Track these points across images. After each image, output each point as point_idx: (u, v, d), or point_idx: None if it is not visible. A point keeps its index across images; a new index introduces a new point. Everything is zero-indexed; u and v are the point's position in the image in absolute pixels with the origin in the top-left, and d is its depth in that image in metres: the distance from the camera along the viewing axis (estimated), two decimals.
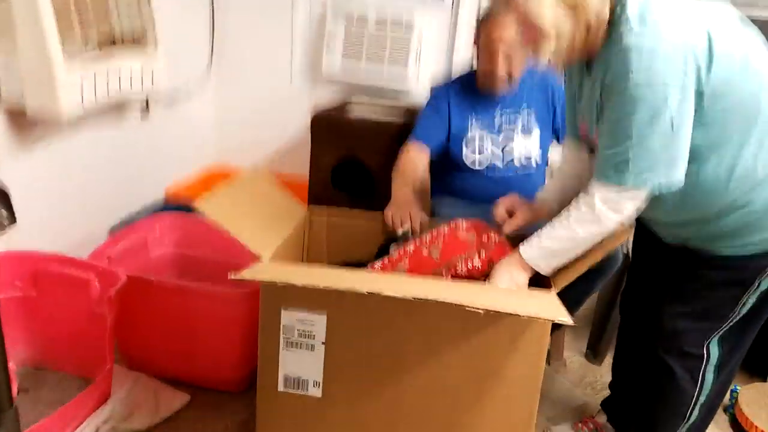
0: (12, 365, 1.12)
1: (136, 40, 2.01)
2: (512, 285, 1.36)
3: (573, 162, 1.53)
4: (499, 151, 1.94)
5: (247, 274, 1.25)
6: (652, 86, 1.13)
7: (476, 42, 1.91)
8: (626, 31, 1.16)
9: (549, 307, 1.21)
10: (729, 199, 1.25)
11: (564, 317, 1.12)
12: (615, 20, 1.20)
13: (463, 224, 1.52)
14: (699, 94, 1.16)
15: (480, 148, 1.93)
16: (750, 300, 1.35)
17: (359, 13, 2.66)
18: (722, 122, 1.19)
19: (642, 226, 1.50)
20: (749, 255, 1.29)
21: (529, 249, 1.35)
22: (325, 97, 2.71)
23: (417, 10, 2.65)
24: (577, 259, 1.34)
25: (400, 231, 1.63)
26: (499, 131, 1.94)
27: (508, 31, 1.77)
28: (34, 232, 1.89)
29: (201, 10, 2.72)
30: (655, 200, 1.26)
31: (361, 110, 2.61)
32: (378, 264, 1.50)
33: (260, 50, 2.83)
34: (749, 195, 1.24)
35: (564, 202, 1.40)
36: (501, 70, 1.83)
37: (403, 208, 1.70)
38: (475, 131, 1.94)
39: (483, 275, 1.44)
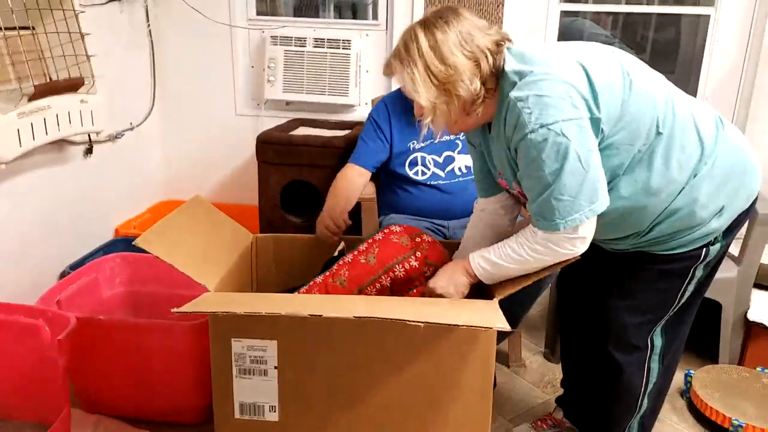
0: None
1: (74, 84, 2.00)
2: (450, 285, 1.38)
3: (487, 214, 1.56)
4: (441, 169, 2.01)
5: (189, 307, 1.26)
6: (547, 127, 1.16)
7: None
8: (509, 87, 1.22)
9: (487, 315, 1.23)
10: (653, 212, 1.30)
11: (501, 324, 1.14)
12: (499, 82, 1.26)
13: (395, 228, 1.56)
14: (595, 121, 1.21)
15: (423, 169, 2.02)
16: (689, 288, 1.41)
17: (297, 36, 2.72)
18: (627, 142, 1.25)
19: None
20: (681, 252, 1.36)
21: (478, 257, 1.37)
22: (272, 123, 2.73)
23: (353, 31, 2.73)
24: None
25: (336, 252, 1.66)
26: (440, 152, 2.02)
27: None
28: None
29: (141, 49, 2.73)
30: None
31: (306, 130, 2.64)
32: (319, 278, 1.52)
33: (203, 82, 2.85)
34: (672, 204, 1.29)
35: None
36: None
37: (334, 218, 1.77)
38: (417, 153, 2.03)
39: (420, 274, 1.48)
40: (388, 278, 1.48)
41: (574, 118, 1.17)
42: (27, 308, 1.77)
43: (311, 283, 1.53)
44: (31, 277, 2.14)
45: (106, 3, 2.42)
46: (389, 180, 2.07)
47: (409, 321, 1.13)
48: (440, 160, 2.01)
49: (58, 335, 1.62)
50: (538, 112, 1.16)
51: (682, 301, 1.42)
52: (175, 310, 1.22)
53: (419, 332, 1.18)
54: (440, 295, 1.39)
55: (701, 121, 1.30)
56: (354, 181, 1.99)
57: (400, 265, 1.48)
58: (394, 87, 2.74)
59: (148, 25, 2.71)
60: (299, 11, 2.90)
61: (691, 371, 2.02)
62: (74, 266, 2.24)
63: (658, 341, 1.47)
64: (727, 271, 2.00)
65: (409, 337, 1.30)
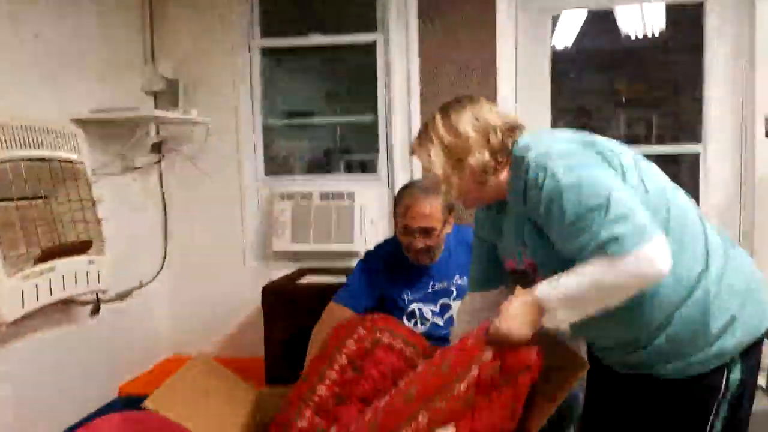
0: None
1: (82, 247, 2.10)
2: (523, 326, 1.25)
3: (480, 306, 1.56)
4: (439, 317, 1.98)
5: None
6: (578, 172, 1.20)
7: (395, 218, 2.00)
8: (522, 152, 1.29)
9: None
10: (661, 308, 1.25)
11: None
12: (511, 156, 1.34)
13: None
14: (619, 174, 1.24)
15: (421, 320, 1.98)
16: (716, 426, 1.30)
17: (303, 192, 2.85)
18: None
19: (594, 359, 1.48)
20: (695, 375, 1.28)
21: (549, 287, 1.24)
22: (279, 274, 2.77)
23: (356, 185, 2.86)
24: (543, 400, 1.29)
25: None
26: (436, 300, 2.00)
27: (425, 207, 1.89)
28: None
29: (153, 212, 2.88)
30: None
31: (312, 278, 2.67)
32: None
33: (212, 239, 2.95)
34: (680, 305, 1.25)
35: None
36: (419, 243, 1.91)
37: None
38: (413, 306, 2.00)
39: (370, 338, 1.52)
40: (343, 355, 1.53)
41: (599, 164, 1.24)
42: None
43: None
44: None
45: (122, 172, 2.60)
46: None
47: None
48: (437, 309, 1.99)
49: None
50: (564, 161, 1.22)
51: None
52: None
53: None
54: (504, 338, 1.26)
55: (706, 225, 1.32)
56: (340, 318, 1.87)
57: (350, 339, 1.52)
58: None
59: (162, 190, 2.87)
60: (312, 169, 3.08)
61: None
62: (71, 429, 2.19)
63: None
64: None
65: None
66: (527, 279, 1.39)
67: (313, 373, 1.55)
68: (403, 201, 1.94)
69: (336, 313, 1.94)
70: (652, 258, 1.15)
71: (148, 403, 1.37)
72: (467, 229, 2.06)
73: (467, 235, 2.01)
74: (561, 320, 1.25)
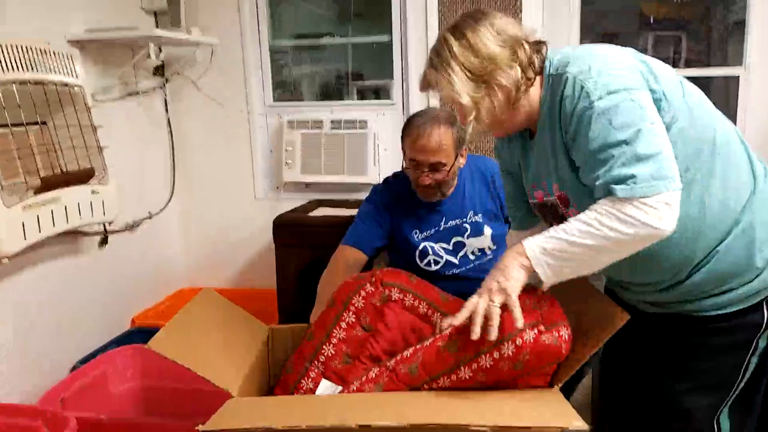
0: None
1: (84, 175, 2.00)
2: (501, 285, 1.14)
3: None
4: (453, 255, 1.86)
5: (215, 423, 1.13)
6: (616, 93, 1.08)
7: (402, 149, 1.83)
8: (561, 68, 1.16)
9: (559, 411, 1.08)
10: (704, 245, 1.17)
11: (578, 423, 1.01)
12: (545, 74, 1.20)
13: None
14: (657, 101, 1.12)
15: (435, 259, 1.85)
16: (753, 361, 1.24)
17: (314, 119, 2.72)
18: (684, 150, 1.13)
19: (611, 295, 1.40)
20: (735, 311, 1.20)
21: (533, 242, 1.14)
22: (291, 206, 2.69)
23: (369, 113, 2.72)
24: (576, 349, 1.20)
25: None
26: (449, 238, 1.86)
27: (435, 139, 1.70)
28: None
29: (160, 139, 2.77)
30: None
31: (325, 210, 2.59)
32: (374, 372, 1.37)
33: (222, 168, 2.86)
34: (726, 238, 1.16)
35: None
36: (428, 179, 1.75)
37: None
38: (425, 245, 1.85)
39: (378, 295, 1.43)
40: (351, 312, 1.43)
41: (640, 88, 1.10)
42: (27, 409, 1.70)
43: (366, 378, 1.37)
44: (41, 373, 2.07)
45: (124, 97, 2.47)
46: (398, 265, 1.91)
47: (474, 426, 1.00)
48: (450, 247, 1.85)
49: None
50: (604, 80, 1.09)
51: (747, 376, 1.24)
52: (200, 428, 1.10)
53: None
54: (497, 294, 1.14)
55: (750, 151, 1.23)
56: (350, 260, 1.78)
57: (357, 295, 1.43)
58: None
59: (167, 116, 2.75)
60: (322, 97, 2.93)
61: None
62: (85, 360, 2.17)
63: (726, 424, 1.28)
64: None
65: None
66: (556, 213, 1.29)
67: (319, 331, 1.45)
68: (410, 131, 1.75)
69: (345, 255, 1.80)
70: (661, 213, 1.04)
71: (151, 345, 1.30)
72: (483, 160, 1.95)
73: (483, 166, 1.91)
74: (556, 273, 1.13)
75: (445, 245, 1.85)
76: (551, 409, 1.10)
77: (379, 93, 2.86)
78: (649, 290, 1.27)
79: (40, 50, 1.87)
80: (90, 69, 2.26)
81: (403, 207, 1.87)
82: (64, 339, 2.20)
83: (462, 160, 1.81)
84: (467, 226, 1.85)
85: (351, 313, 1.42)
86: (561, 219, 1.21)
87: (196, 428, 1.11)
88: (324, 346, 1.42)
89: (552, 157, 1.23)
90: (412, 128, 1.76)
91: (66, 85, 1.95)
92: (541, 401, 1.14)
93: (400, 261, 1.88)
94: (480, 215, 1.85)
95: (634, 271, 1.24)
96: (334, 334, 1.42)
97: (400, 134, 1.83)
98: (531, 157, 1.32)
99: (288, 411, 1.25)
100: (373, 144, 2.69)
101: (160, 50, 2.51)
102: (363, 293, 1.44)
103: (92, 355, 2.19)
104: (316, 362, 1.42)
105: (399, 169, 2.66)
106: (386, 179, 1.98)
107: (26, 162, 1.79)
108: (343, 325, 1.41)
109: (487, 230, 1.84)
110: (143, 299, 2.63)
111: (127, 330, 2.48)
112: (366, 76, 2.92)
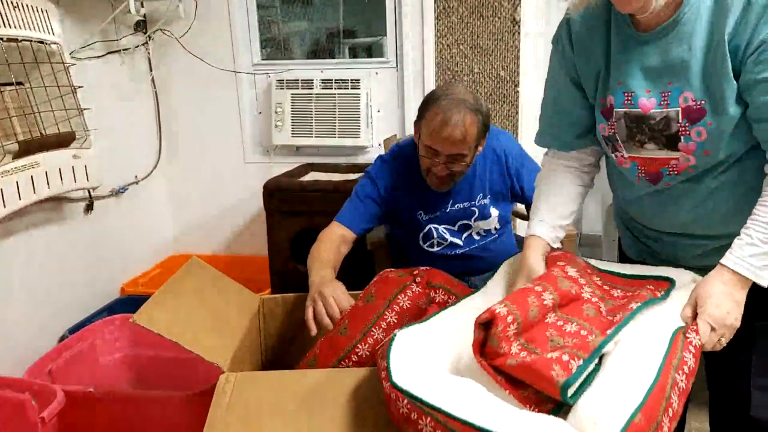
0: None
1: (64, 139, 1.91)
2: (737, 308, 1.03)
3: (564, 182, 1.28)
4: (458, 237, 1.75)
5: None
6: None
7: (417, 127, 1.63)
8: None
9: None
10: None
11: None
12: None
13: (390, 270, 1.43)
14: None
15: (439, 241, 1.74)
16: None
17: (304, 79, 2.62)
18: None
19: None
20: None
21: (739, 251, 1.02)
22: (282, 170, 2.60)
23: (362, 70, 2.63)
24: None
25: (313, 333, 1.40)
26: (454, 221, 1.73)
27: (458, 129, 1.51)
28: None
29: (145, 100, 2.66)
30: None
31: (316, 175, 2.51)
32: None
33: (210, 131, 2.76)
34: None
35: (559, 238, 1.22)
36: (443, 171, 1.59)
37: (324, 298, 1.42)
38: (430, 227, 1.73)
39: (429, 300, 1.32)
40: (394, 312, 1.29)
41: None
42: (13, 381, 1.65)
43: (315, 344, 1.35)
44: (28, 344, 2.01)
45: (105, 55, 2.36)
46: (401, 243, 1.83)
47: None
48: (455, 228, 1.74)
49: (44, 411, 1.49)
50: None
51: None
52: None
53: None
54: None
55: None
56: (339, 239, 1.64)
57: (403, 295, 1.30)
58: (408, 129, 2.66)
59: (151, 76, 2.64)
60: (313, 55, 2.81)
61: None
62: (74, 330, 2.11)
63: None
64: None
65: None
66: (654, 129, 1.09)
67: (356, 327, 1.30)
68: (433, 115, 1.53)
69: (334, 231, 1.66)
70: None
71: (137, 319, 1.23)
72: (497, 136, 1.74)
73: (497, 144, 1.72)
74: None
75: (449, 227, 1.74)
76: None
77: (372, 50, 2.76)
78: (711, 245, 1.15)
79: (12, 4, 1.75)
80: (67, 26, 2.13)
81: (408, 184, 1.71)
82: (52, 309, 2.13)
83: (480, 149, 1.63)
84: (475, 209, 1.72)
85: (394, 313, 1.29)
86: (658, 136, 1.07)
87: None
88: (359, 345, 1.29)
89: (702, 58, 1.03)
90: (435, 111, 1.53)
91: (42, 42, 1.84)
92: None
93: (401, 234, 1.80)
94: (488, 198, 1.72)
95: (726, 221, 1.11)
96: (371, 333, 1.28)
97: (419, 109, 1.62)
98: (635, 54, 1.10)
99: (280, 381, 1.20)
100: (366, 105, 2.60)
101: (142, 5, 2.38)
102: (409, 293, 1.31)
103: (81, 325, 2.14)
104: (347, 361, 1.28)
105: (393, 131, 2.61)
106: (393, 150, 1.80)
107: (2, 125, 1.70)
108: (383, 325, 1.28)
109: (494, 212, 1.74)
110: (132, 267, 2.57)
111: (116, 298, 2.43)
112: (358, 34, 2.81)
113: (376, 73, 2.63)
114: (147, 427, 1.61)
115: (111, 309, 2.31)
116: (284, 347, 1.61)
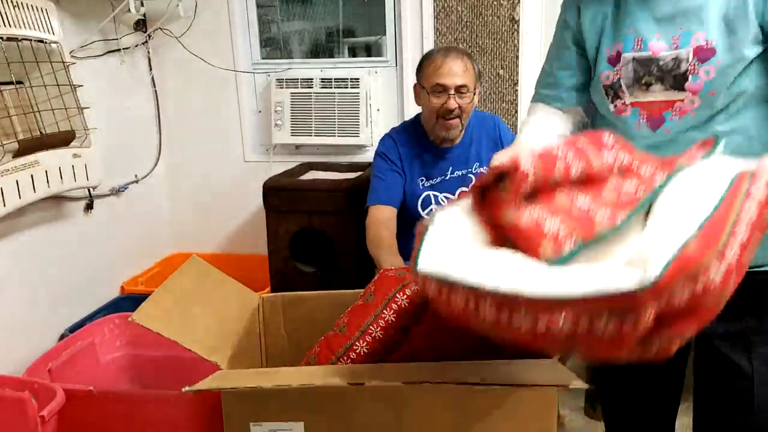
0: None
1: (64, 138, 1.91)
2: None
3: (553, 119, 1.31)
4: None
5: (203, 384, 1.10)
6: None
7: (419, 84, 1.87)
8: None
9: (556, 372, 1.05)
10: None
11: (577, 382, 0.98)
12: None
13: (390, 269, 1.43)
14: None
15: (437, 208, 1.82)
16: None
17: (303, 78, 2.62)
18: None
19: None
20: None
21: None
22: (281, 169, 2.61)
23: (361, 69, 2.63)
24: None
25: None
26: (453, 189, 1.90)
27: (459, 63, 1.78)
28: None
29: (144, 99, 2.66)
30: None
31: (316, 174, 2.52)
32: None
33: (209, 130, 2.76)
34: None
35: None
36: (453, 103, 1.79)
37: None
38: (428, 194, 1.90)
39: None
40: (392, 311, 1.29)
41: None
42: (13, 380, 1.65)
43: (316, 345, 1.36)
44: (28, 343, 2.01)
45: (105, 54, 2.36)
46: (400, 224, 1.89)
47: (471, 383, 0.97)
48: (454, 197, 1.85)
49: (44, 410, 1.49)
50: None
51: None
52: (186, 389, 1.07)
53: (475, 400, 1.03)
54: None
55: None
56: (387, 220, 1.80)
57: (401, 293, 1.29)
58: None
59: (151, 75, 2.64)
60: (312, 55, 2.82)
61: None
62: (73, 328, 2.12)
63: None
64: None
65: (463, 407, 1.09)
66: (664, 70, 1.09)
67: (354, 325, 1.32)
68: (432, 60, 1.83)
69: (379, 214, 1.82)
70: None
71: (136, 318, 1.24)
72: (483, 115, 2.01)
73: (487, 120, 1.97)
74: None
75: (448, 194, 1.88)
76: (549, 372, 1.06)
77: (371, 49, 2.76)
78: None
79: (12, 3, 1.75)
80: (67, 25, 2.14)
81: (411, 153, 1.91)
82: (52, 307, 2.14)
83: (476, 99, 1.87)
84: (472, 176, 1.88)
85: (392, 311, 1.29)
86: (666, 77, 1.07)
87: (182, 390, 1.07)
88: (356, 343, 1.29)
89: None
90: (433, 57, 1.83)
91: (42, 41, 1.84)
92: (539, 367, 1.09)
93: (402, 208, 1.89)
94: (485, 167, 1.88)
95: None
96: (369, 332, 1.29)
97: (416, 71, 1.90)
98: (649, 4, 1.12)
99: (275, 376, 1.20)
100: (366, 103, 2.60)
101: (142, 4, 2.38)
102: (407, 291, 1.31)
103: (81, 324, 2.14)
104: (344, 358, 1.29)
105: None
106: (392, 130, 2.01)
107: (2, 124, 1.70)
108: (382, 323, 1.29)
109: None
110: (132, 265, 2.57)
111: (117, 297, 2.43)
112: (358, 33, 2.82)
113: (376, 72, 2.63)
114: (147, 426, 1.61)
115: (111, 307, 2.31)
116: (284, 346, 1.61)
